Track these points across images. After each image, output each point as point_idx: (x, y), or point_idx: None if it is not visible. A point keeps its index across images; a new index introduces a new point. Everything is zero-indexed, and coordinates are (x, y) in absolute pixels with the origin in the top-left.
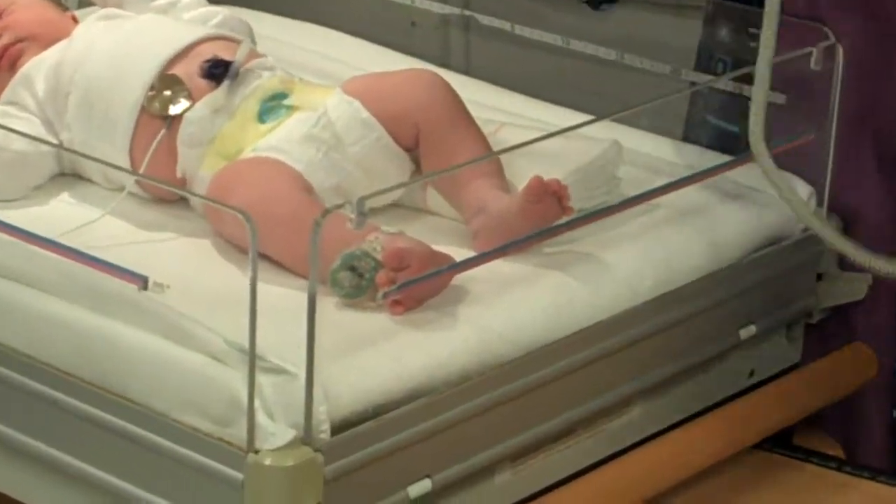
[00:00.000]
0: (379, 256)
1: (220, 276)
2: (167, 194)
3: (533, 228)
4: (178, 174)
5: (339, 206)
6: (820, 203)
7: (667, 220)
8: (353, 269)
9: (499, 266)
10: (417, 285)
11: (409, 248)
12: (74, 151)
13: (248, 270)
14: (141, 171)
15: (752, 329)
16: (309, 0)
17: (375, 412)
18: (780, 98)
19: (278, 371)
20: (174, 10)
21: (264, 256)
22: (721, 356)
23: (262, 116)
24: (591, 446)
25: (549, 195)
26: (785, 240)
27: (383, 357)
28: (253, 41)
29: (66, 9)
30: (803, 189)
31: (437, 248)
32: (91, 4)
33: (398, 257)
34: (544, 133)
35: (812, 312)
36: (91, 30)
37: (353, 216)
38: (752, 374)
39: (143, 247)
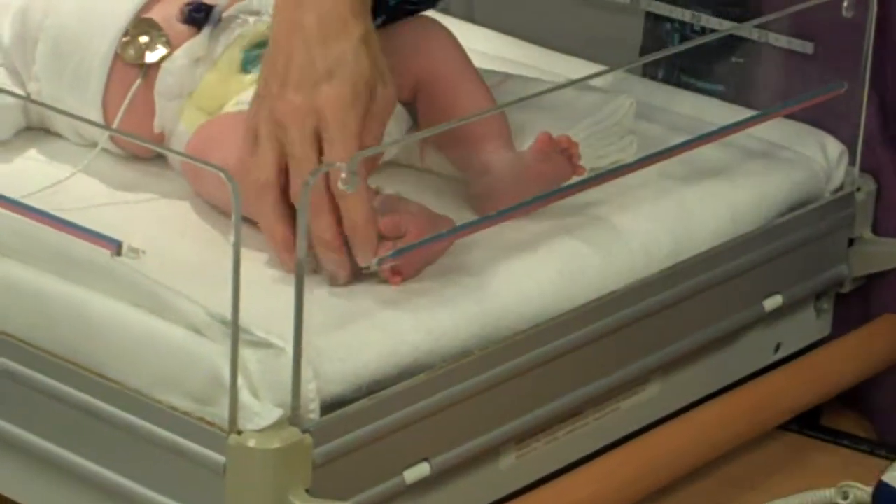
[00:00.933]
0: None
1: (201, 242)
2: (143, 151)
3: (541, 189)
4: (156, 129)
5: (330, 165)
6: (852, 163)
7: (685, 181)
8: None
9: (502, 231)
10: (416, 251)
11: (406, 215)
12: (43, 104)
13: (231, 235)
14: (115, 125)
15: (779, 300)
16: None
17: (369, 390)
18: (808, 47)
19: (264, 345)
20: None
21: (249, 220)
22: (744, 329)
23: (246, 66)
24: (603, 427)
25: (558, 153)
26: (813, 202)
27: (377, 331)
28: None
29: None
30: (834, 147)
31: (436, 210)
32: None
33: (395, 226)
34: (553, 85)
35: (844, 282)
36: None
37: (344, 175)
38: (778, 348)
39: (118, 209)
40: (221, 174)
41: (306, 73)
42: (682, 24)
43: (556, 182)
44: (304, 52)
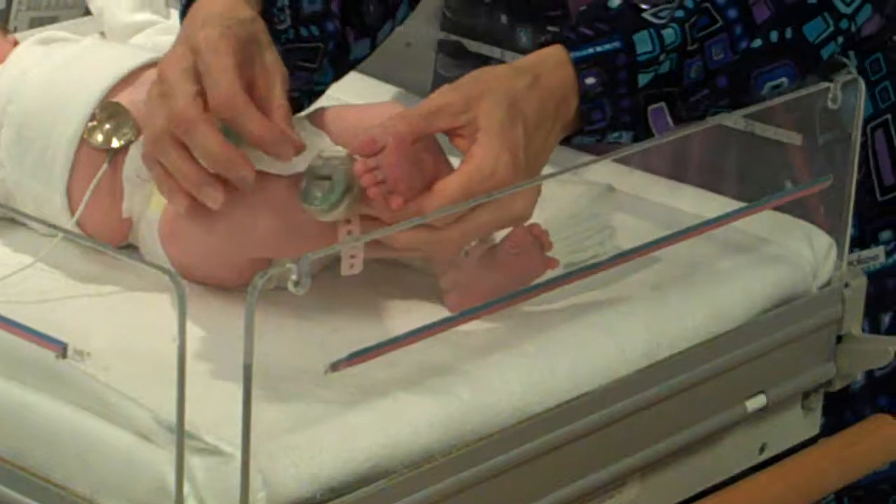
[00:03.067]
0: (342, 153)
1: (161, 340)
2: (112, 239)
3: (513, 283)
4: (125, 214)
5: (280, 268)
6: (841, 256)
7: (664, 276)
8: (320, 178)
9: (470, 327)
10: (398, 164)
11: (377, 130)
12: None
13: (177, 337)
14: (79, 211)
15: (762, 400)
16: None
17: (323, 498)
18: (796, 138)
19: (212, 452)
20: (152, 29)
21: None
22: (727, 430)
23: None
24: None
25: (532, 245)
26: (799, 298)
27: (333, 433)
28: None
29: (6, 32)
30: (822, 241)
31: (405, 307)
32: (52, 20)
33: (369, 143)
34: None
35: (832, 380)
36: (27, 56)
37: (294, 277)
38: (763, 448)
39: (76, 303)
40: (167, 276)
41: (184, 35)
42: None
43: (530, 276)
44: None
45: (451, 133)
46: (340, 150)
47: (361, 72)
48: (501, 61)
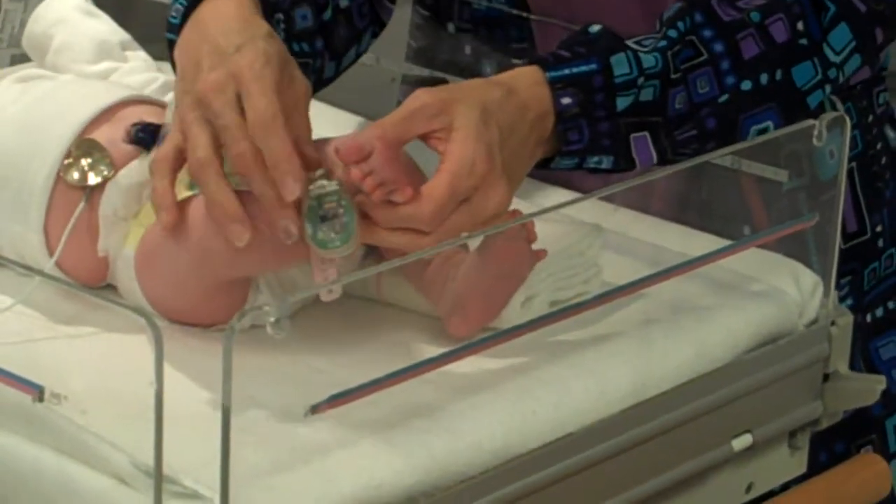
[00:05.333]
0: (335, 186)
1: (139, 382)
2: (91, 278)
3: (505, 278)
4: (100, 252)
5: (257, 309)
6: (827, 294)
7: (647, 314)
8: (324, 218)
9: (452, 367)
10: (392, 163)
11: (361, 137)
12: None
13: (153, 380)
14: (58, 250)
15: (748, 439)
16: None
17: None
18: (783, 175)
19: (190, 496)
20: (116, 74)
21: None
22: (713, 469)
23: (194, 185)
24: None
25: (519, 234)
26: (785, 336)
27: (314, 476)
28: None
29: None
30: (808, 279)
31: (386, 347)
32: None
33: (357, 149)
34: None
35: (819, 419)
36: (5, 93)
37: (272, 319)
38: (749, 488)
39: (53, 345)
40: (142, 319)
41: (216, 55)
42: None
43: (520, 268)
44: (209, 45)
45: (427, 136)
46: (330, 184)
47: (324, 100)
48: None
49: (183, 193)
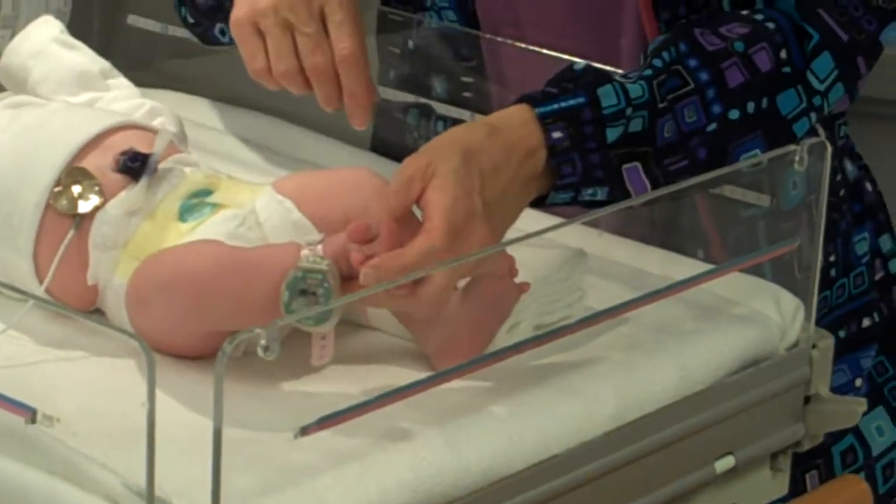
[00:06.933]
0: (324, 266)
1: (131, 403)
2: (79, 304)
3: (490, 314)
4: (90, 281)
5: (249, 332)
6: (808, 317)
7: (630, 337)
8: (303, 292)
9: (439, 389)
10: (391, 249)
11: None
12: None
13: (146, 402)
14: (47, 278)
15: (731, 461)
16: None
17: None
18: (765, 200)
19: None
20: (101, 104)
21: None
22: (695, 491)
23: (184, 215)
24: None
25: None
26: (767, 359)
27: (304, 498)
28: (183, 136)
29: None
30: (789, 302)
31: (374, 370)
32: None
33: (363, 231)
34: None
35: (801, 441)
36: None
37: (263, 342)
38: None
39: (45, 368)
40: (136, 343)
41: None
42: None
43: (505, 302)
44: None
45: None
46: (320, 261)
47: (301, 125)
48: None
49: (178, 228)
